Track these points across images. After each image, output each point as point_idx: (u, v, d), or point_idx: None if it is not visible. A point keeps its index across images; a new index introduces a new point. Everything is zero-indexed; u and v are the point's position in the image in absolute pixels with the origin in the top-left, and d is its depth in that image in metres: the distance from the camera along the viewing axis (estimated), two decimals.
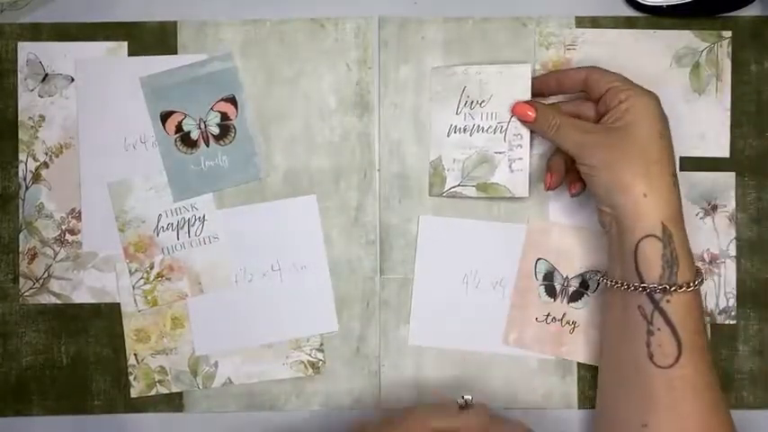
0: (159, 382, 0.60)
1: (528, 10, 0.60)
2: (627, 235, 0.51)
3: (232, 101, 0.60)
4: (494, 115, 0.58)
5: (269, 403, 0.60)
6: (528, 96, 0.57)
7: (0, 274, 0.60)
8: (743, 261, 0.60)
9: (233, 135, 0.60)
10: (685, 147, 0.60)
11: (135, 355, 0.60)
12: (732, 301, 0.60)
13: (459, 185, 0.59)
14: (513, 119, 0.57)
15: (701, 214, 0.60)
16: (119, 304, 0.60)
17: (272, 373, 0.60)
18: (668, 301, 0.50)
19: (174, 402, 0.60)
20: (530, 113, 0.55)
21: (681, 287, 0.50)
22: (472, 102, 0.58)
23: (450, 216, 0.60)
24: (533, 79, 0.58)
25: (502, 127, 0.58)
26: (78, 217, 0.60)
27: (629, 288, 0.51)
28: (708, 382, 0.51)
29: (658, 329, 0.50)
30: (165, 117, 0.60)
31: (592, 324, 0.59)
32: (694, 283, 0.50)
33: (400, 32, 0.60)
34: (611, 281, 0.53)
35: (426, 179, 0.60)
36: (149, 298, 0.60)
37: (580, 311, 0.60)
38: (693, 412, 0.50)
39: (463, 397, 0.51)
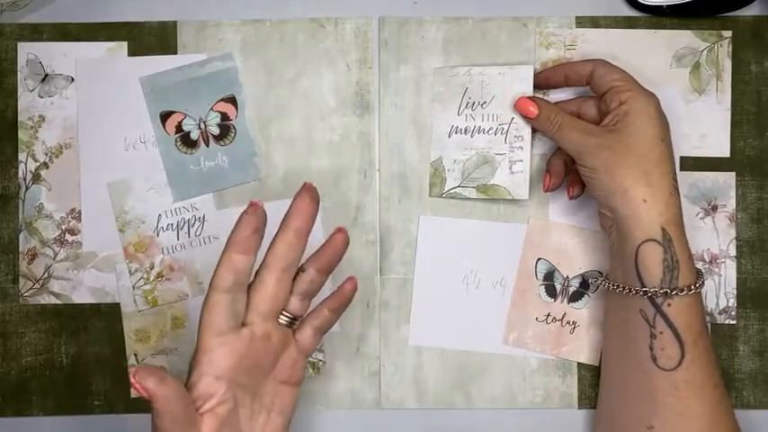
0: None
1: (528, 10, 0.60)
2: (627, 239, 0.51)
3: (232, 101, 0.60)
4: (495, 116, 0.58)
5: None
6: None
7: (0, 274, 0.60)
8: (743, 261, 0.60)
9: (233, 135, 0.60)
10: (685, 147, 0.60)
11: (135, 355, 0.60)
12: (732, 301, 0.60)
13: (459, 186, 0.59)
14: (514, 120, 0.57)
15: (701, 214, 0.60)
16: (119, 304, 0.60)
17: None
18: (669, 305, 0.50)
19: None
20: (532, 109, 0.55)
21: (682, 291, 0.50)
22: (474, 103, 0.58)
23: (450, 216, 0.60)
24: (541, 72, 0.58)
25: (503, 128, 0.58)
26: (78, 217, 0.60)
27: (630, 292, 0.51)
28: (713, 383, 0.51)
29: (660, 333, 0.50)
30: (165, 117, 0.60)
31: (592, 324, 0.59)
32: (695, 285, 0.50)
33: (400, 32, 0.60)
34: (613, 284, 0.53)
35: (426, 179, 0.60)
36: (149, 298, 0.60)
37: (580, 311, 0.60)
38: (699, 413, 0.50)
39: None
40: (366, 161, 0.60)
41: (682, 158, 0.60)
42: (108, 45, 0.60)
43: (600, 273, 0.59)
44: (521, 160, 0.58)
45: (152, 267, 0.60)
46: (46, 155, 0.60)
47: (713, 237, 0.60)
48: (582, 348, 0.60)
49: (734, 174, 0.60)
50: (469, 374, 0.60)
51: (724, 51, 0.60)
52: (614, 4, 0.61)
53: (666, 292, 0.50)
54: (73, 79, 0.60)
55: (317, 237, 0.60)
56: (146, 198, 0.60)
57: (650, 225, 0.50)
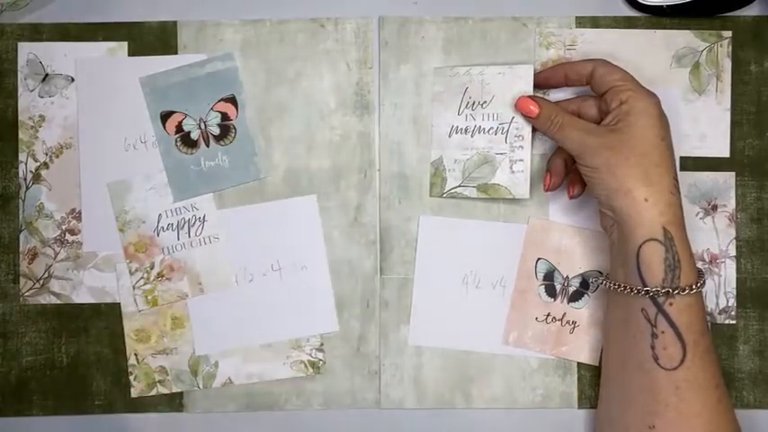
0: (159, 382, 0.60)
1: (528, 10, 0.60)
2: (628, 239, 0.51)
3: (232, 101, 0.60)
4: (495, 116, 0.58)
5: (269, 403, 0.60)
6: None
7: (0, 274, 0.60)
8: (743, 261, 0.60)
9: (233, 135, 0.60)
10: (685, 147, 0.60)
11: (135, 355, 0.60)
12: (732, 301, 0.60)
13: (459, 186, 0.59)
14: (514, 120, 0.57)
15: (701, 214, 0.60)
16: (119, 304, 0.60)
17: (273, 372, 0.60)
18: (671, 304, 0.50)
19: (174, 402, 0.60)
20: (532, 108, 0.55)
21: (683, 290, 0.50)
22: (474, 102, 0.58)
23: (450, 216, 0.60)
24: (541, 71, 0.58)
25: (503, 128, 0.58)
26: (78, 217, 0.60)
27: (631, 291, 0.51)
28: (714, 382, 0.51)
29: (662, 332, 0.50)
30: (165, 117, 0.60)
31: (592, 324, 0.59)
32: (697, 285, 0.50)
33: (400, 32, 0.60)
34: (614, 284, 0.53)
35: (426, 179, 0.60)
36: (149, 298, 0.60)
37: (580, 311, 0.60)
38: (701, 413, 0.50)
39: None
40: (366, 161, 0.60)
41: (682, 158, 0.60)
42: (108, 45, 0.60)
43: (600, 273, 0.59)
44: (521, 160, 0.58)
45: (152, 267, 0.60)
46: (46, 155, 0.60)
47: (713, 237, 0.60)
48: (582, 348, 0.60)
49: (734, 174, 0.60)
50: (469, 374, 0.60)
51: (724, 51, 0.60)
52: (614, 4, 0.61)
53: (668, 291, 0.50)
54: (73, 79, 0.60)
55: (317, 237, 0.60)
56: (146, 198, 0.60)
57: (652, 224, 0.50)
